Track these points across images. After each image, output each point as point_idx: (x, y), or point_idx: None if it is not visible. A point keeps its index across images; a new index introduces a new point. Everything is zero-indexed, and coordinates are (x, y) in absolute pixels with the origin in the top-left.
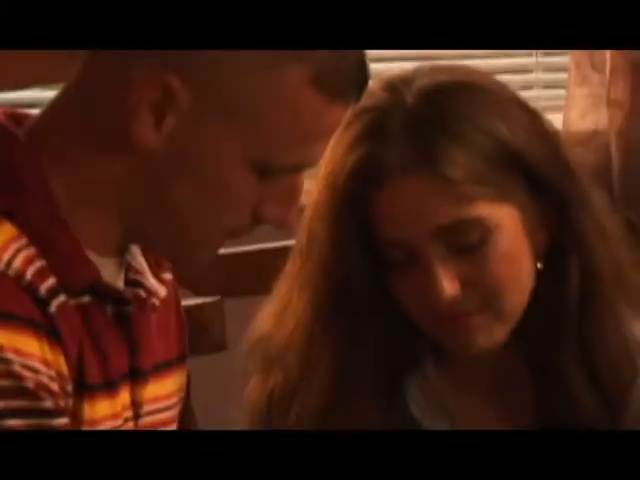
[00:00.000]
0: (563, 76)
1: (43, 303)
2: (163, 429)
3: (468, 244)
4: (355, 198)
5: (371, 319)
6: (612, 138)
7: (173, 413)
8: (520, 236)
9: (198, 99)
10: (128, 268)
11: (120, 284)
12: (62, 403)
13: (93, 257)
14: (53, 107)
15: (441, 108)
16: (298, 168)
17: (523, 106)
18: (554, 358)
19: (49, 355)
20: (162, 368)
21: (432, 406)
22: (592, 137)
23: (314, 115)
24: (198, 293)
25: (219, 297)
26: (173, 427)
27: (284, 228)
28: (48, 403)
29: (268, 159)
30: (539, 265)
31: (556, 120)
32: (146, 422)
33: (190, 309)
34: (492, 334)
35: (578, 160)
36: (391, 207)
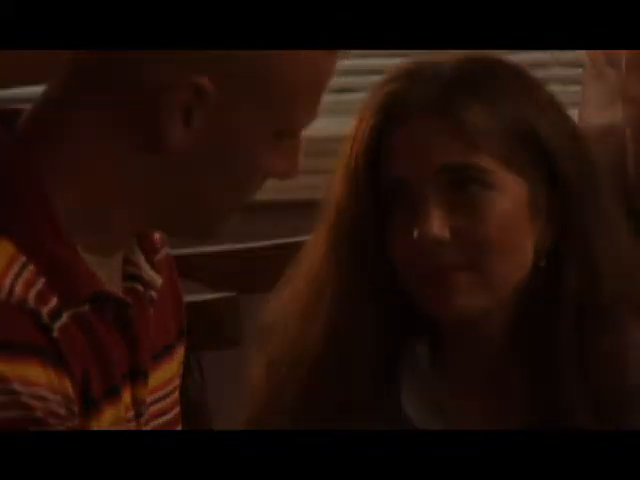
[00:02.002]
0: (579, 72)
1: (46, 329)
2: (165, 417)
3: (467, 192)
4: (373, 138)
5: (373, 280)
6: (628, 134)
7: (174, 398)
8: (522, 210)
9: (223, 90)
10: (126, 261)
11: (118, 280)
12: (70, 425)
13: (95, 260)
14: (47, 104)
15: (475, 72)
16: (308, 124)
17: (556, 105)
18: (549, 361)
19: (55, 381)
20: (161, 356)
21: (426, 405)
22: (608, 132)
23: (327, 75)
24: (213, 289)
25: (234, 293)
26: (176, 411)
27: (290, 178)
28: (58, 429)
29: (291, 125)
30: (542, 263)
31: (572, 116)
32: (148, 414)
33: (205, 304)
34: (473, 297)
35: (595, 157)
36: (402, 145)
